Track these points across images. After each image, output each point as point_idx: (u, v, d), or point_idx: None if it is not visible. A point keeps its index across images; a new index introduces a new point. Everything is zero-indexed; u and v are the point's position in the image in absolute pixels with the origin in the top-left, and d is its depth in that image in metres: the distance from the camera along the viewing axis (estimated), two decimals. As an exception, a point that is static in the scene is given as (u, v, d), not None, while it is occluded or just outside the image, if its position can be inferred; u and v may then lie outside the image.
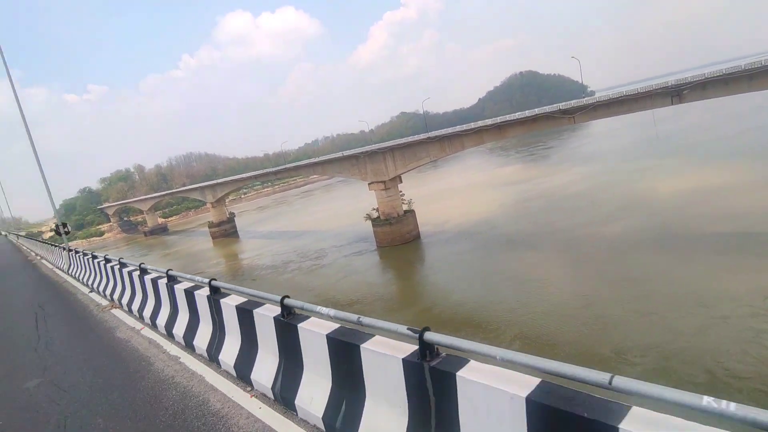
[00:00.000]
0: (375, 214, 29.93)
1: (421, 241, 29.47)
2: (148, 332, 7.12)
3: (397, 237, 28.67)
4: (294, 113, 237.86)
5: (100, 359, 6.44)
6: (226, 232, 51.79)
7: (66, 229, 16.17)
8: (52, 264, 19.85)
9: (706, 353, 9.77)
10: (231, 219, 54.08)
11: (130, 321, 7.95)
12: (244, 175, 49.52)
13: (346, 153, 29.80)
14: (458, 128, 23.20)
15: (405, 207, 30.14)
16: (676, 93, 15.98)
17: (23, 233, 66.25)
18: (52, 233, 20.60)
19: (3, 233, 72.72)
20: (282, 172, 39.36)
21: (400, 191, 30.30)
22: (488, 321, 14.20)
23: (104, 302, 9.93)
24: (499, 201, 35.26)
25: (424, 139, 24.62)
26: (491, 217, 30.24)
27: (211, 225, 53.36)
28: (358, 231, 32.76)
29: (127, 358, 6.18)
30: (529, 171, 49.82)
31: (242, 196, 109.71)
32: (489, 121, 22.21)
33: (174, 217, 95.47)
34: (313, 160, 33.88)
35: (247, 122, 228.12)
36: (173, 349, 6.09)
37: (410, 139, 25.70)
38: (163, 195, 72.24)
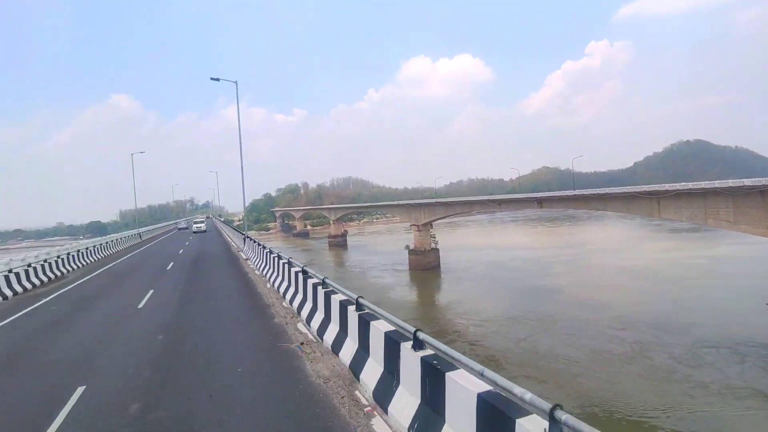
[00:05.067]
0: (411, 246, 44.50)
1: (440, 269, 42.76)
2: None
3: (422, 264, 42.60)
4: (453, 152, 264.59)
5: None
6: (338, 243, 71.86)
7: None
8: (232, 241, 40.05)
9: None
10: (344, 235, 74.20)
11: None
12: (341, 205, 69.26)
13: (401, 203, 45.52)
14: (449, 199, 36.79)
15: (433, 245, 43.92)
16: (538, 201, 26.62)
17: (222, 218, 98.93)
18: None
19: (209, 216, 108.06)
20: (366, 208, 57.30)
21: (432, 234, 44.25)
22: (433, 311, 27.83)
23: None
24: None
25: (434, 203, 38.80)
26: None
27: (329, 236, 74.42)
28: (402, 257, 47.59)
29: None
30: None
31: (374, 220, 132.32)
32: (460, 198, 35.42)
33: (318, 227, 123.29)
34: (385, 202, 50.51)
35: (408, 154, 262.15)
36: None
37: (429, 200, 40.10)
38: (307, 209, 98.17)
